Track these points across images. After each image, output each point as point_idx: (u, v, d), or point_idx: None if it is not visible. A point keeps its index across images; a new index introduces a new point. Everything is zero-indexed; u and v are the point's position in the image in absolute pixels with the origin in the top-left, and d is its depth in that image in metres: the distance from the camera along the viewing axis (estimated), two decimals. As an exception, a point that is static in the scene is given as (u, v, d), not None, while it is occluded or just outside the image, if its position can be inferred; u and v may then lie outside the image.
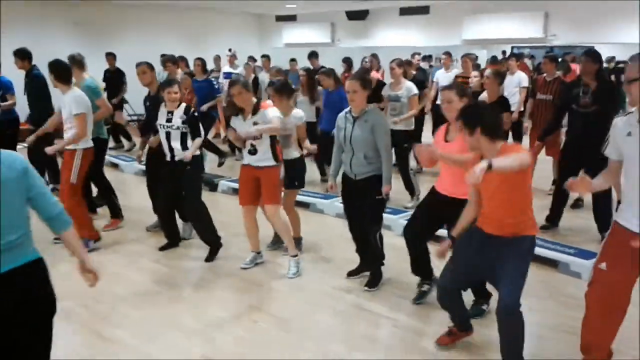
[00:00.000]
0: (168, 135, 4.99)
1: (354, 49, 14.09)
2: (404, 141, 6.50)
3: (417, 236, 3.96)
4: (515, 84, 7.74)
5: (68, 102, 5.06)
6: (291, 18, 16.97)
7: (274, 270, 4.89)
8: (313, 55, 10.52)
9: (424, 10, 14.12)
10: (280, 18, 17.21)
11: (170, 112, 4.98)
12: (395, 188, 4.57)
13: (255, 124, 4.52)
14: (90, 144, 5.25)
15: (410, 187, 6.69)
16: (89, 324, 3.95)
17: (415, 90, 6.73)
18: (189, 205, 5.13)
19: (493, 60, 13.50)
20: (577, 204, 6.61)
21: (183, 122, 4.93)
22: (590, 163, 4.88)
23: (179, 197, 5.16)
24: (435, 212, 3.83)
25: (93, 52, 9.80)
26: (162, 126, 5.02)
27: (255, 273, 4.82)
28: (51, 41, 11.86)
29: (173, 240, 5.43)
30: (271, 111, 4.58)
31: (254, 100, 4.67)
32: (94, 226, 5.45)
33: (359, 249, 4.61)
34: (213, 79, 9.26)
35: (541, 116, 6.77)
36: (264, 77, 10.33)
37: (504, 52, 16.79)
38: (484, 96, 5.72)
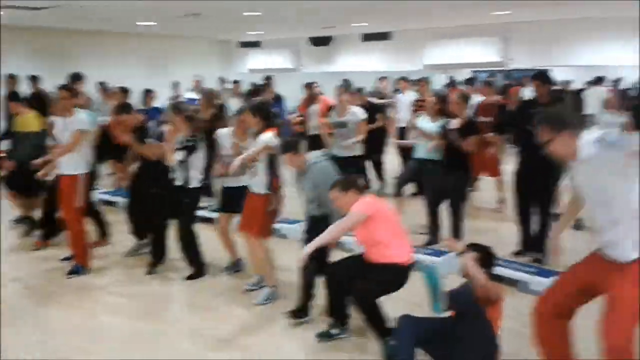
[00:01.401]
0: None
1: (317, 75, 14.24)
2: (353, 167, 6.38)
3: (338, 279, 3.81)
4: (407, 102, 8.23)
5: (73, 122, 4.99)
6: (255, 44, 17.09)
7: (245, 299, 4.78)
8: (267, 80, 10.44)
9: (386, 36, 14.43)
10: (244, 44, 17.31)
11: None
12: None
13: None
14: (88, 168, 5.20)
15: None
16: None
17: (362, 115, 6.68)
18: (181, 230, 5.01)
19: (451, 84, 13.84)
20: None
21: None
22: (541, 185, 5.06)
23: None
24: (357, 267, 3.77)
25: (54, 80, 9.64)
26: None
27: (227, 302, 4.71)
28: (11, 68, 11.63)
29: (160, 258, 5.32)
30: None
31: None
32: (90, 256, 5.35)
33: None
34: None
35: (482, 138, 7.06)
36: (234, 103, 10.16)
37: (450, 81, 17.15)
38: (454, 122, 5.64)
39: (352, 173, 6.07)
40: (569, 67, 14.19)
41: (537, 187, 5.07)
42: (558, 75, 15.48)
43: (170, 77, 11.87)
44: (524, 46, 13.01)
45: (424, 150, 5.79)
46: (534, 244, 5.29)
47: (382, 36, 14.43)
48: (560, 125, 2.71)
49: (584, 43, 12.31)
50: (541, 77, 5.10)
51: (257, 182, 4.48)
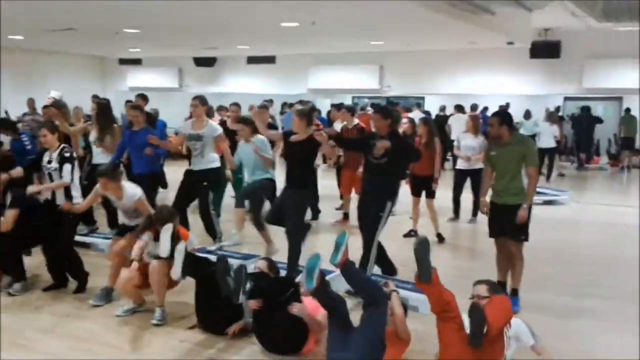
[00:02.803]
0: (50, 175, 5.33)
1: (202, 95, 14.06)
2: (203, 180, 6.28)
3: None
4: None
5: None
6: (136, 62, 16.55)
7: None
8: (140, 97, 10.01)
9: (270, 59, 14.61)
10: (123, 61, 16.70)
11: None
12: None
13: None
14: None
15: (212, 230, 6.37)
16: None
17: (219, 130, 6.32)
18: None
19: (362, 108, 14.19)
20: (410, 234, 7.08)
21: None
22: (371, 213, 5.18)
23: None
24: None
25: None
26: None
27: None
28: None
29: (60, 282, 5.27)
30: None
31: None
32: None
33: None
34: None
35: (349, 157, 7.55)
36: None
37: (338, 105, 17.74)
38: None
39: (214, 186, 6.14)
40: (441, 95, 15.27)
41: (368, 214, 5.17)
42: (434, 102, 16.70)
43: (45, 94, 10.90)
44: (398, 75, 13.79)
45: None
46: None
47: (266, 60, 14.59)
48: None
49: (452, 72, 13.30)
50: (381, 111, 5.31)
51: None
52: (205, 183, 6.27)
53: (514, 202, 4.77)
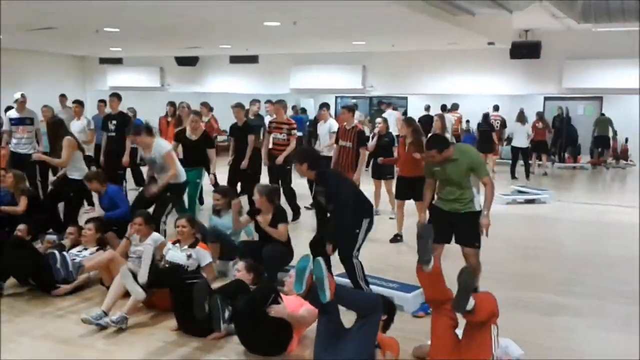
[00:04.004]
0: None
1: (185, 95, 13.96)
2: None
3: None
4: (326, 130, 8.56)
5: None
6: (117, 61, 16.35)
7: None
8: (77, 103, 9.65)
9: (253, 59, 14.53)
10: (104, 61, 16.50)
11: None
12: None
13: None
14: None
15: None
16: None
17: (166, 149, 6.23)
18: None
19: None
20: (396, 239, 7.06)
21: None
22: None
23: None
24: None
25: None
26: None
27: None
28: None
29: None
30: None
31: None
32: None
33: None
34: None
35: (343, 160, 7.49)
36: (76, 124, 9.45)
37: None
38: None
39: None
40: (425, 95, 15.36)
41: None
42: (416, 102, 16.76)
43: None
44: (380, 75, 13.84)
45: None
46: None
47: (249, 59, 14.51)
48: None
49: (433, 73, 13.39)
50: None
51: None
52: (168, 194, 6.22)
53: (466, 209, 4.71)
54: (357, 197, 4.84)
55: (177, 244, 5.19)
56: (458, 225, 4.75)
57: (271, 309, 3.85)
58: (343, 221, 4.61)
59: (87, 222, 5.70)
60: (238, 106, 8.29)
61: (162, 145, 6.29)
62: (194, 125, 7.32)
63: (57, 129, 6.75)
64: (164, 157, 6.14)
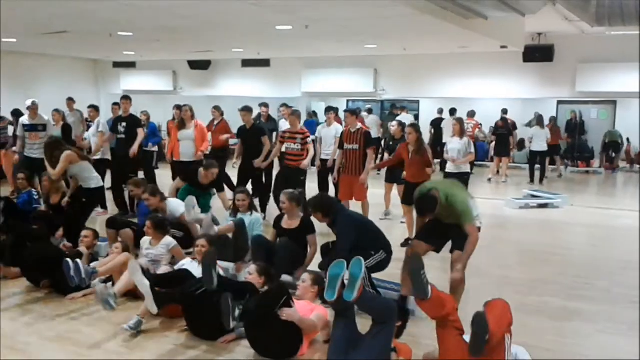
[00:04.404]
0: None
1: (197, 98, 14.06)
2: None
3: None
4: (332, 134, 8.45)
5: None
6: (130, 65, 16.51)
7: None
8: (92, 108, 9.71)
9: (265, 63, 14.61)
10: (117, 64, 16.67)
11: None
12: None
13: None
14: None
15: None
16: None
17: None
18: None
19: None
20: (408, 242, 7.00)
21: None
22: None
23: None
24: None
25: None
26: None
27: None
28: None
29: None
30: None
31: None
32: None
33: None
34: None
35: (349, 163, 7.41)
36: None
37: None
38: None
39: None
40: (437, 98, 15.32)
41: None
42: (429, 105, 16.71)
43: (38, 99, 10.69)
44: (392, 79, 13.84)
45: None
46: None
47: (261, 63, 14.59)
48: None
49: (445, 76, 13.36)
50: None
51: None
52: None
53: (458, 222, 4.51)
54: (376, 234, 5.09)
55: (195, 261, 5.11)
56: (453, 232, 4.58)
57: (283, 312, 3.84)
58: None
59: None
60: (245, 110, 8.35)
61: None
62: None
63: (53, 149, 6.40)
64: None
